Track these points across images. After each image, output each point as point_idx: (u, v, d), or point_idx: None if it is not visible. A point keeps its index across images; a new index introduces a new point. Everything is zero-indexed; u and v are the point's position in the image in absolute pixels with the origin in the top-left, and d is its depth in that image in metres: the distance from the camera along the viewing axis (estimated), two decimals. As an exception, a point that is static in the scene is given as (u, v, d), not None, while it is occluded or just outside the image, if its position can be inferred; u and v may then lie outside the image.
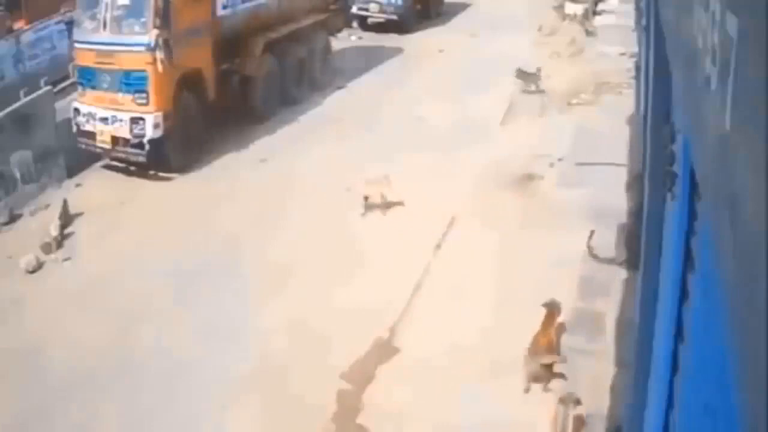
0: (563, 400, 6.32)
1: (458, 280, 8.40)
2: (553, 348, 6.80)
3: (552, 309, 6.85)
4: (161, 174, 11.99)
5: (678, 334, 2.82)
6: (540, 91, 14.61)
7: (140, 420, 6.84)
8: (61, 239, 10.12)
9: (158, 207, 11.01)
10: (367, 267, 8.89)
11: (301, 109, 14.56)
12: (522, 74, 14.76)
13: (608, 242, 8.58)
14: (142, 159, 11.69)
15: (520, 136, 12.23)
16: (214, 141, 12.72)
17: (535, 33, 18.66)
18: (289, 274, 8.82)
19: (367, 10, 20.21)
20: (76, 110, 11.99)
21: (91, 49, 11.84)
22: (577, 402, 6.31)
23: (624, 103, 12.82)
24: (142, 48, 11.24)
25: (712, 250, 1.48)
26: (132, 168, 12.12)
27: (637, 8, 13.68)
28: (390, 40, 19.38)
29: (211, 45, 12.46)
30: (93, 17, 11.85)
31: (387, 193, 10.31)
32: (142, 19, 11.32)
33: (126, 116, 11.50)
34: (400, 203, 10.28)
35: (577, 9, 19.13)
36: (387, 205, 10.28)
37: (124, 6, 11.52)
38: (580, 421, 6.17)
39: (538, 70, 14.84)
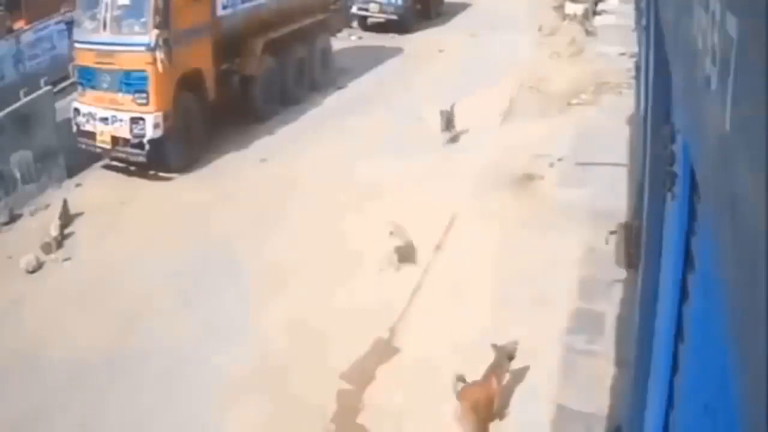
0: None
1: (458, 280, 8.40)
2: (492, 406, 6.12)
3: (502, 355, 6.22)
4: (161, 174, 11.99)
5: (678, 334, 2.82)
6: (453, 138, 12.49)
7: (140, 420, 6.84)
8: (61, 239, 10.12)
9: (158, 207, 11.01)
10: (367, 267, 8.88)
11: (301, 109, 14.57)
12: (443, 115, 12.45)
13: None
14: (142, 159, 11.69)
15: (520, 136, 12.22)
16: (214, 141, 12.73)
17: (535, 33, 18.67)
18: (289, 274, 8.83)
19: (367, 10, 20.23)
20: (76, 110, 11.99)
21: (91, 49, 11.85)
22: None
23: (624, 103, 12.81)
24: (142, 48, 11.24)
25: (712, 250, 1.48)
26: (132, 168, 12.12)
27: (637, 8, 13.67)
28: (390, 40, 19.40)
29: (211, 45, 12.47)
30: (93, 17, 11.85)
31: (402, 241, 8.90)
32: (142, 19, 11.32)
33: (126, 116, 11.51)
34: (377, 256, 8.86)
35: (577, 9, 19.13)
36: (402, 258, 8.86)
37: (124, 6, 11.53)
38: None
39: (452, 107, 12.53)
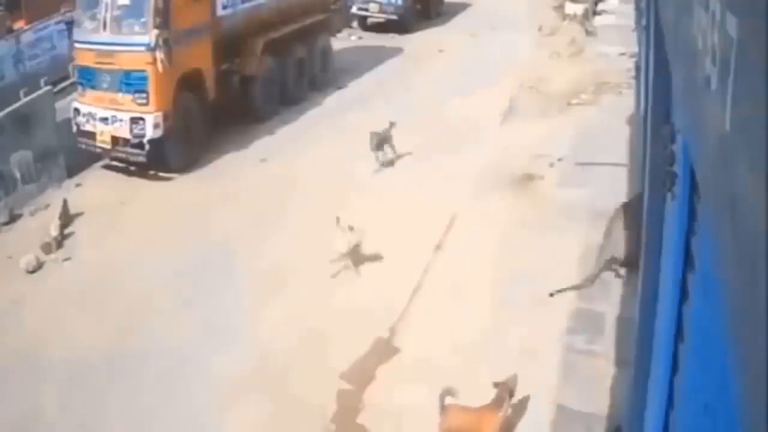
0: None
1: (458, 280, 8.40)
2: None
3: (503, 391, 5.97)
4: (161, 174, 12.00)
5: (678, 334, 2.82)
6: (387, 162, 11.60)
7: (140, 420, 6.84)
8: (61, 239, 10.12)
9: (158, 207, 11.02)
10: (367, 267, 8.88)
11: (301, 109, 14.57)
12: (373, 137, 11.43)
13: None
14: (142, 159, 11.70)
15: (519, 136, 12.23)
16: (214, 141, 12.73)
17: (535, 33, 18.68)
18: (289, 274, 8.83)
19: (367, 10, 20.23)
20: (76, 110, 12.00)
21: (91, 49, 11.85)
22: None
23: (624, 103, 12.82)
24: (142, 48, 11.25)
25: (712, 250, 1.48)
26: (132, 168, 12.13)
27: (637, 8, 13.67)
28: (390, 40, 19.40)
29: (211, 45, 12.47)
30: (93, 17, 11.86)
31: (357, 244, 8.80)
32: (142, 19, 11.33)
33: (126, 116, 11.51)
34: (375, 257, 8.90)
35: (577, 9, 19.13)
36: (357, 260, 8.85)
37: (124, 6, 11.53)
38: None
39: (390, 126, 11.62)
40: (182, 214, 10.62)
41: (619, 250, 7.88)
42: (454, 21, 21.67)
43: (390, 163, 11.69)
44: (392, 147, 11.67)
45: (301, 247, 9.40)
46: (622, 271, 7.87)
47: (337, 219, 8.82)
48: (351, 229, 8.74)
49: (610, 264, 7.92)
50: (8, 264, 9.69)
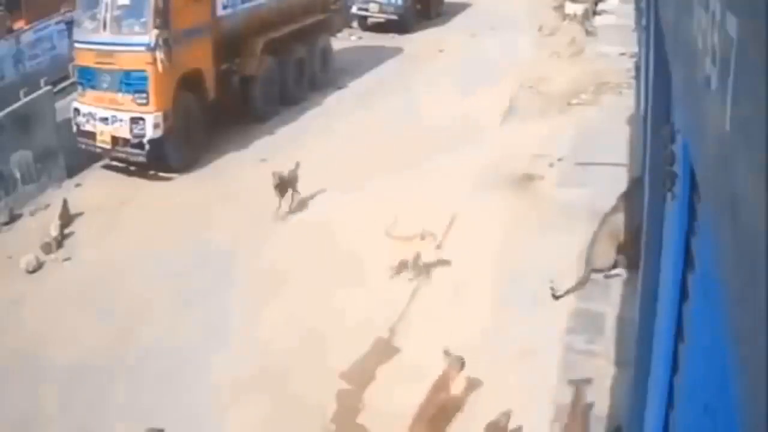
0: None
1: (458, 280, 8.39)
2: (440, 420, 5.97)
3: (449, 367, 5.99)
4: (161, 174, 12.00)
5: (678, 334, 2.82)
6: (295, 207, 10.32)
7: (140, 420, 6.83)
8: (61, 239, 10.13)
9: (158, 207, 11.01)
10: (368, 267, 8.88)
11: (301, 109, 14.57)
12: (275, 176, 10.12)
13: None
14: (142, 159, 11.70)
15: (519, 136, 12.22)
16: (214, 141, 12.73)
17: (535, 33, 18.67)
18: (289, 274, 8.82)
19: (367, 10, 20.22)
20: (76, 110, 12.00)
21: (91, 49, 11.86)
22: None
23: (624, 103, 12.81)
24: (142, 48, 11.25)
25: (712, 250, 1.48)
26: (132, 168, 12.13)
27: (637, 8, 13.67)
28: (390, 40, 19.39)
29: (211, 45, 12.48)
30: (93, 17, 11.87)
31: (426, 251, 8.71)
32: (142, 19, 11.33)
33: (126, 116, 11.52)
34: (445, 262, 8.76)
35: (577, 9, 19.12)
36: (426, 267, 8.68)
37: (124, 6, 11.54)
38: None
39: (297, 165, 10.49)
40: (182, 214, 10.62)
41: (603, 257, 7.89)
42: (454, 21, 21.66)
43: (293, 211, 10.37)
44: (296, 191, 10.40)
45: (301, 247, 9.40)
46: (616, 270, 7.90)
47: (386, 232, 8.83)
48: (423, 238, 8.64)
49: (592, 270, 7.95)
50: (8, 264, 9.69)
